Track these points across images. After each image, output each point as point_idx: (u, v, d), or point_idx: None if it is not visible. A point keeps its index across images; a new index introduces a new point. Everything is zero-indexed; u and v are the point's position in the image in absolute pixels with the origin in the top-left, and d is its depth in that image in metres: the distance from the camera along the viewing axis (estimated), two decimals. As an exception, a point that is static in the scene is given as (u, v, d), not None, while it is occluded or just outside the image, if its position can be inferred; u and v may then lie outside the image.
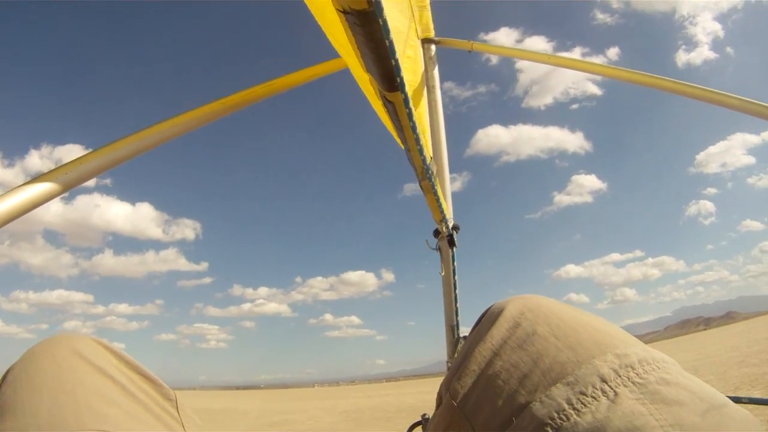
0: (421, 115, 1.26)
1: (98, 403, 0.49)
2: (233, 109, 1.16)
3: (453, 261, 2.03)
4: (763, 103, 1.51)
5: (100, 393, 0.51)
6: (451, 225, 1.96)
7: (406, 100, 0.91)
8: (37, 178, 0.80)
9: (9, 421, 0.47)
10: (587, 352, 0.44)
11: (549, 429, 0.41)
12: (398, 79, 0.84)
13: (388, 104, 0.91)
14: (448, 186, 1.96)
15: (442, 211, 1.64)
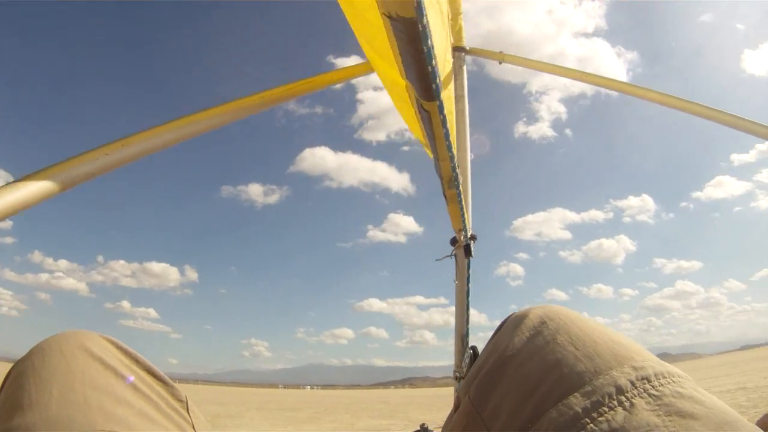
0: (451, 123, 1.26)
1: (109, 403, 0.48)
2: (256, 110, 1.15)
3: (468, 270, 2.02)
4: (755, 121, 1.49)
5: (111, 392, 0.50)
6: (469, 234, 1.96)
7: (440, 108, 0.92)
8: (31, 175, 0.70)
9: (17, 418, 0.46)
10: (605, 363, 0.45)
11: None
12: (434, 86, 0.85)
13: (424, 112, 0.91)
14: (470, 196, 1.95)
15: (463, 221, 1.64)
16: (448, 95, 1.42)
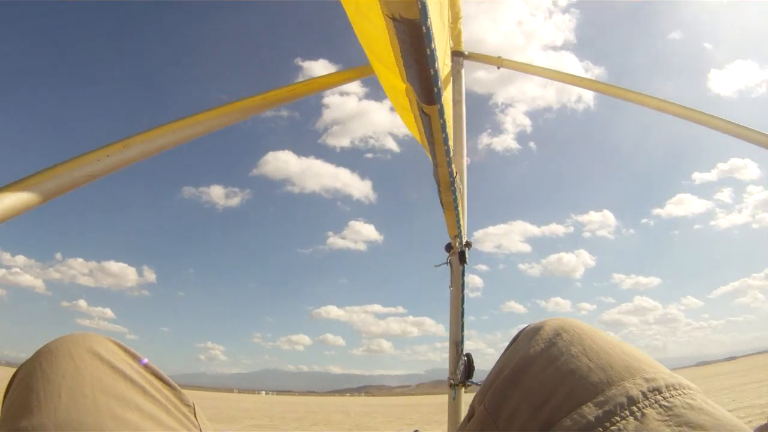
0: (450, 128, 1.25)
1: (118, 407, 0.48)
2: (253, 112, 1.12)
3: (463, 277, 2.01)
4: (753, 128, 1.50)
5: (121, 396, 0.50)
6: (464, 241, 1.94)
7: (441, 112, 0.90)
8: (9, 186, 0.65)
9: (25, 420, 0.45)
10: (617, 375, 0.47)
11: None
12: (436, 90, 0.83)
13: (424, 116, 0.90)
14: (466, 202, 1.94)
15: (459, 227, 1.62)
16: (446, 100, 1.41)
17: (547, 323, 0.56)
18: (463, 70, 1.95)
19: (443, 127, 0.95)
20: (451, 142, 1.51)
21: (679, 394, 0.45)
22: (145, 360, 0.58)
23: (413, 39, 0.68)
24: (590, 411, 0.44)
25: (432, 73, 0.78)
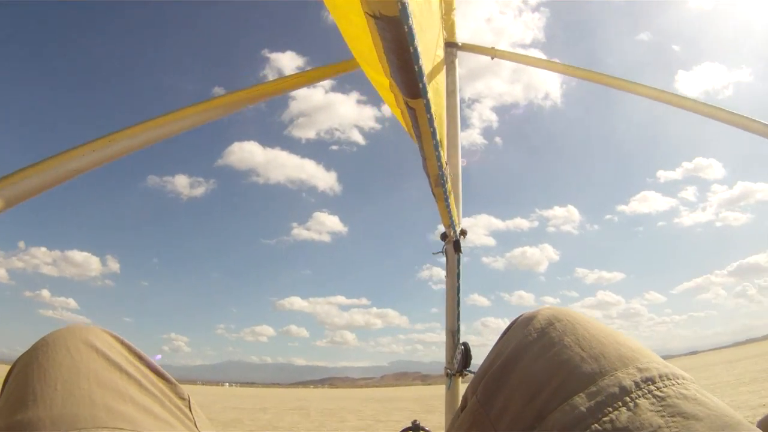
0: (441, 120, 1.26)
1: (114, 400, 0.48)
2: (239, 106, 1.13)
3: (458, 266, 2.02)
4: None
5: (116, 389, 0.50)
6: (459, 230, 1.96)
7: (427, 106, 0.91)
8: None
9: (21, 413, 0.45)
10: (610, 365, 0.47)
11: None
12: (421, 85, 0.84)
13: (410, 110, 0.91)
14: (461, 191, 1.95)
15: (451, 217, 1.64)
16: (436, 91, 1.41)
17: (540, 312, 0.55)
18: (456, 61, 1.95)
19: (430, 121, 0.96)
20: (439, 136, 1.52)
21: (673, 384, 0.45)
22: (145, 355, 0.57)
23: (393, 36, 0.69)
24: (582, 402, 0.44)
25: (416, 69, 0.79)
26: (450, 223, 1.74)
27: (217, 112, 1.08)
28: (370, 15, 0.68)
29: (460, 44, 1.95)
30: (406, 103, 0.89)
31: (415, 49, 0.74)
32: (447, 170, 1.29)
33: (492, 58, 1.99)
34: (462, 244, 2.01)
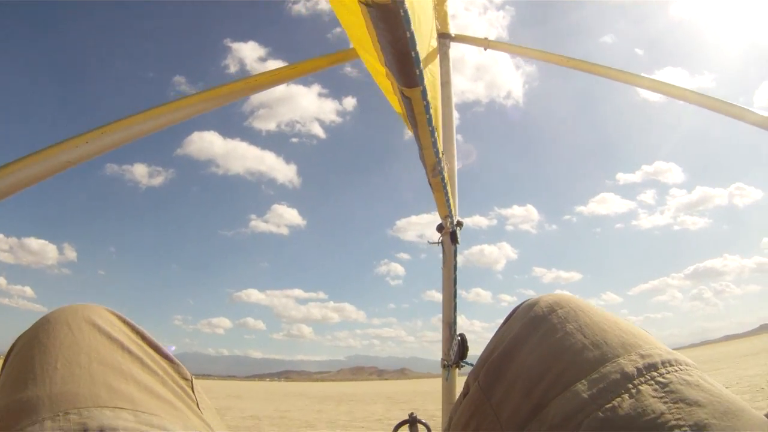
0: (437, 110, 1.26)
1: (115, 379, 0.47)
2: (235, 97, 1.13)
3: (455, 257, 2.03)
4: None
5: (117, 368, 0.49)
6: (455, 221, 1.97)
7: (424, 93, 0.91)
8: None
9: (20, 391, 0.45)
10: (613, 351, 0.46)
11: (572, 423, 0.43)
12: (417, 72, 0.84)
13: (405, 99, 0.91)
14: (456, 182, 1.96)
15: (449, 207, 1.65)
16: (431, 81, 1.42)
17: (542, 299, 0.55)
18: (450, 51, 1.95)
19: (426, 108, 0.97)
20: (435, 123, 1.52)
21: (676, 371, 0.44)
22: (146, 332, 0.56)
23: (387, 24, 0.69)
24: (584, 389, 0.44)
25: (412, 56, 0.79)
26: (447, 214, 1.75)
27: (206, 105, 1.08)
28: (363, 3, 0.68)
29: (453, 35, 1.95)
30: (402, 93, 0.89)
31: (412, 37, 0.74)
32: (444, 160, 1.29)
33: (485, 49, 1.99)
34: (458, 236, 2.02)
